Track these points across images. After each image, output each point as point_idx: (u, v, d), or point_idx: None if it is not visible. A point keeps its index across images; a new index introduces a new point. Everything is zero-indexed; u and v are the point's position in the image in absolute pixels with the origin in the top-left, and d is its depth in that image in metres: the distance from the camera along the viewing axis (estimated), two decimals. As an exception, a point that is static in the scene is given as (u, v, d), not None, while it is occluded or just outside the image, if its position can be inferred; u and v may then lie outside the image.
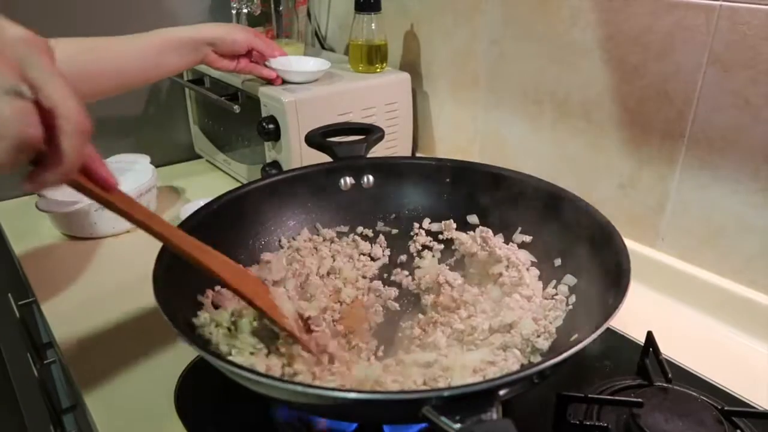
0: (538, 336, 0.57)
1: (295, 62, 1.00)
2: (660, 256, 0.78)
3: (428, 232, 0.75)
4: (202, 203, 0.68)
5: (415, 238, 0.75)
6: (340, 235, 0.75)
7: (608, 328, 0.47)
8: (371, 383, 0.53)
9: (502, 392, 0.42)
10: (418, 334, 0.64)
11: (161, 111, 1.19)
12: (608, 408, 0.56)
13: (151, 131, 1.19)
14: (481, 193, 0.73)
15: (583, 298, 0.60)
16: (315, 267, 0.69)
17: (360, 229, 0.76)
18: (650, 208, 0.79)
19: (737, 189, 0.70)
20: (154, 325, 0.71)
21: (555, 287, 0.64)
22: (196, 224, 0.64)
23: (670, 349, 0.63)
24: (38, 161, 0.41)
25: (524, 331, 0.57)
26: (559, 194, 0.67)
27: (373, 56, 1.03)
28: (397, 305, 0.69)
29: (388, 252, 0.75)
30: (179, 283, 0.55)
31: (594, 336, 0.46)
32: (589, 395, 0.56)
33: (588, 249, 0.61)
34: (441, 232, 0.74)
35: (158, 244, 0.55)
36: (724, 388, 0.61)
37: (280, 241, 0.72)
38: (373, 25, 1.02)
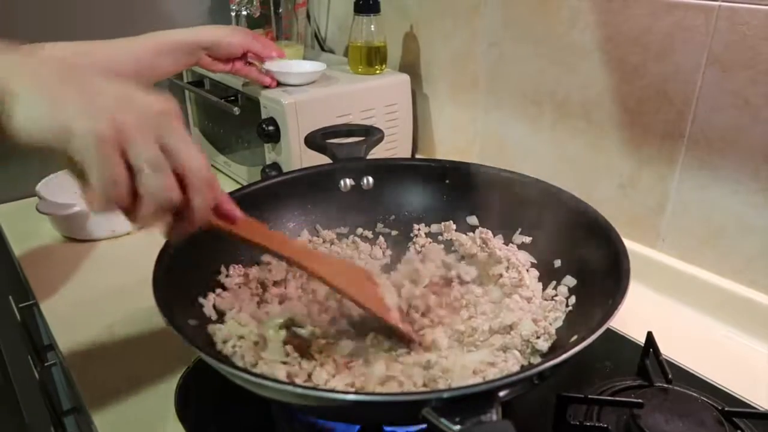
0: (538, 337, 0.57)
1: (290, 65, 1.00)
2: (660, 256, 0.78)
3: (428, 234, 0.75)
4: (202, 205, 0.68)
5: (415, 239, 0.75)
6: (340, 236, 0.75)
7: (608, 329, 0.47)
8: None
9: (501, 393, 0.42)
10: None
11: (161, 113, 1.19)
12: (608, 409, 0.56)
13: (151, 133, 1.19)
14: (480, 195, 0.73)
15: (582, 299, 0.60)
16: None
17: (360, 230, 0.76)
18: (650, 208, 0.79)
19: (737, 189, 0.70)
20: (155, 327, 0.71)
21: (555, 288, 0.64)
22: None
23: (670, 349, 0.63)
24: (175, 212, 0.45)
25: (524, 333, 0.57)
26: (559, 195, 0.67)
27: (373, 58, 1.03)
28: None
29: (389, 253, 0.75)
30: (179, 285, 0.55)
31: (594, 337, 0.46)
32: (590, 396, 0.56)
33: (588, 250, 0.61)
34: (441, 234, 0.75)
35: (158, 246, 0.56)
36: (725, 389, 0.61)
37: (280, 242, 0.72)
38: (372, 26, 1.02)
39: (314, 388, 0.50)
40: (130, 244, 0.92)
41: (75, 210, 0.88)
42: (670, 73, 0.72)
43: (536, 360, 0.56)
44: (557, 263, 0.66)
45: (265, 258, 0.69)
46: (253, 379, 0.44)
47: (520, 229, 0.70)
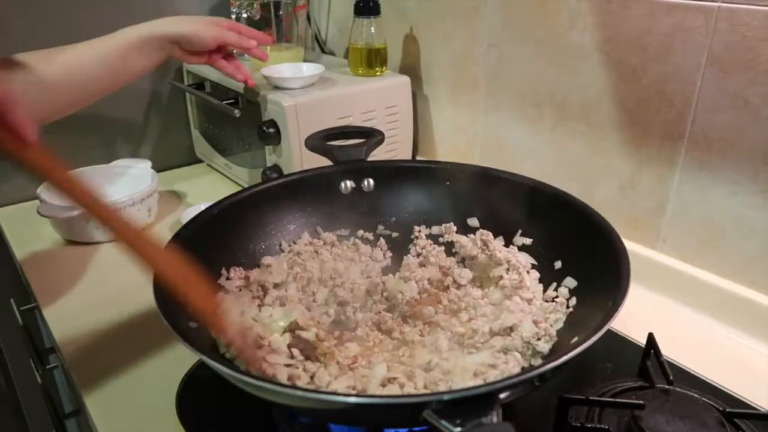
0: (539, 339, 0.57)
1: (290, 67, 1.01)
2: (660, 257, 0.78)
3: (429, 236, 0.75)
4: (203, 207, 0.68)
5: (415, 241, 0.75)
6: (340, 238, 0.75)
7: (609, 330, 0.47)
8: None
9: (502, 395, 0.43)
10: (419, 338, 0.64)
11: (162, 116, 1.20)
12: (609, 410, 0.56)
13: (152, 136, 1.19)
14: (481, 196, 0.73)
15: (583, 300, 0.60)
16: (316, 270, 0.69)
17: (360, 232, 0.76)
18: (650, 209, 0.79)
19: (737, 190, 0.70)
20: (155, 330, 0.71)
21: (555, 290, 0.64)
22: (196, 228, 0.64)
23: (671, 350, 0.63)
24: None
25: (525, 334, 0.57)
26: (559, 196, 0.67)
27: (373, 60, 1.03)
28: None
29: (390, 255, 0.75)
30: (180, 288, 0.55)
31: (594, 338, 0.46)
32: (591, 397, 0.56)
33: (588, 251, 0.61)
34: (441, 235, 0.75)
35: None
36: (726, 390, 0.61)
37: (280, 244, 0.72)
38: (372, 28, 1.02)
39: (315, 391, 0.50)
40: (131, 247, 0.91)
41: (76, 213, 0.88)
42: (669, 74, 0.72)
43: (537, 362, 0.56)
44: (558, 265, 0.66)
45: (266, 261, 0.69)
46: (253, 381, 0.44)
47: (520, 231, 0.70)
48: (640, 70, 0.75)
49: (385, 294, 0.68)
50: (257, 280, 0.67)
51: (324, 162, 0.77)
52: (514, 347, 0.57)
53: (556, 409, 0.55)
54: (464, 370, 0.54)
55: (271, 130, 0.93)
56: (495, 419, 0.39)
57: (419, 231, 0.76)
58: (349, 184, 0.76)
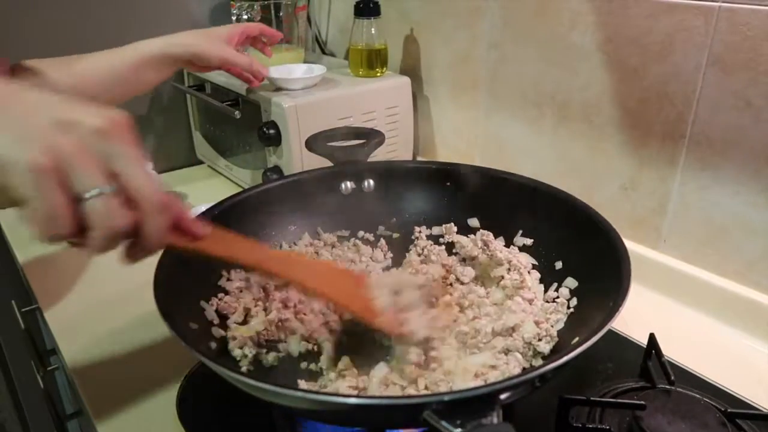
0: (540, 339, 0.57)
1: (291, 68, 1.01)
2: (662, 257, 0.78)
3: (429, 236, 0.75)
4: (203, 208, 0.68)
5: (416, 241, 0.75)
6: (341, 239, 0.75)
7: (610, 331, 0.47)
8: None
9: (502, 396, 0.42)
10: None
11: (163, 117, 1.20)
12: (611, 411, 0.56)
13: (153, 137, 1.20)
14: (481, 197, 0.73)
15: (584, 300, 0.60)
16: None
17: (361, 233, 0.76)
18: (652, 209, 0.79)
19: (738, 190, 0.69)
20: (157, 332, 0.71)
21: (556, 290, 0.64)
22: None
23: (672, 350, 0.62)
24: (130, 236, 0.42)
25: (526, 335, 0.57)
26: (560, 197, 0.67)
27: (374, 60, 1.03)
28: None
29: (390, 255, 0.75)
30: (180, 290, 0.55)
31: (595, 338, 0.45)
32: (592, 398, 0.55)
33: (589, 251, 0.61)
34: (442, 236, 0.74)
35: (159, 251, 0.56)
36: (728, 390, 0.61)
37: (281, 245, 0.72)
38: (373, 29, 1.02)
39: (315, 392, 0.50)
40: (132, 248, 0.91)
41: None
42: (670, 74, 0.72)
43: (538, 362, 0.56)
44: (558, 265, 0.66)
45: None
46: (252, 382, 0.44)
47: (521, 231, 0.70)
48: (640, 71, 0.75)
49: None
50: (258, 282, 0.66)
51: (324, 163, 0.77)
52: (515, 348, 0.57)
53: (556, 409, 0.55)
54: (465, 370, 0.54)
55: (272, 131, 0.93)
56: (495, 420, 0.39)
57: (420, 231, 0.75)
58: (350, 184, 0.76)
